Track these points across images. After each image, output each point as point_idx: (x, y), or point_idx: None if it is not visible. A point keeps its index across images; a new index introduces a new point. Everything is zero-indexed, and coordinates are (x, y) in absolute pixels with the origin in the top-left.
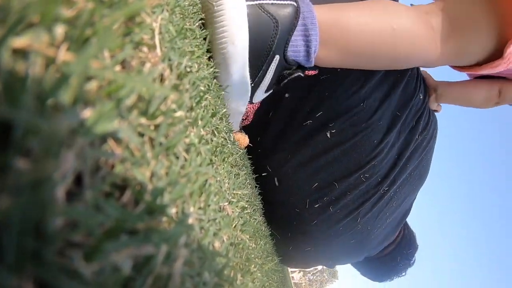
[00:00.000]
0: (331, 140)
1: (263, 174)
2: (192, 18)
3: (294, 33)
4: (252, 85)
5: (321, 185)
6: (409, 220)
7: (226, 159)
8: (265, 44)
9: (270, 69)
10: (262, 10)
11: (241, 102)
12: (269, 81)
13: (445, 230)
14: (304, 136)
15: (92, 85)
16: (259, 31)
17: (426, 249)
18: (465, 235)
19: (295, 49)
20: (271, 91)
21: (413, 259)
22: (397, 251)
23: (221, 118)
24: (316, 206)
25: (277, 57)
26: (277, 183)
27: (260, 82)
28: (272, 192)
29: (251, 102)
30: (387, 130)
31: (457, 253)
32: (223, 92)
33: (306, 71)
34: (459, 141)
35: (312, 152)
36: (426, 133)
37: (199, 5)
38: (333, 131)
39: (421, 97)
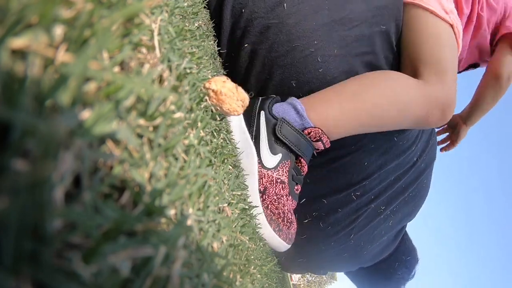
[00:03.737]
0: (319, 159)
1: None
2: (192, 19)
3: (277, 103)
4: (253, 140)
5: (309, 200)
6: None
7: (225, 160)
8: (252, 107)
9: (261, 122)
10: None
11: (249, 158)
12: (266, 136)
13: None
14: None
15: (91, 86)
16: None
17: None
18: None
19: (281, 108)
20: (280, 155)
21: (414, 270)
22: (395, 256)
23: (221, 119)
24: (306, 221)
25: (262, 112)
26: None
27: (258, 136)
28: None
29: (261, 163)
30: (380, 154)
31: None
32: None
33: (318, 146)
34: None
35: None
36: (425, 155)
37: (199, 6)
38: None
39: None
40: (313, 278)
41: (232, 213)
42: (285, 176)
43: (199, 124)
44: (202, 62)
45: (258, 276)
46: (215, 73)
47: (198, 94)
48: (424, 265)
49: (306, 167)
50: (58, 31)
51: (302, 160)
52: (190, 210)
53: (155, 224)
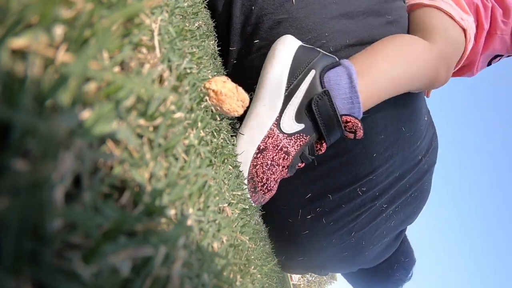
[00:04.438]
0: (327, 152)
1: None
2: (192, 19)
3: (334, 69)
4: (286, 93)
5: (314, 196)
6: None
7: (226, 160)
8: (306, 58)
9: (304, 81)
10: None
11: (269, 110)
12: (301, 100)
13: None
14: None
15: (91, 86)
16: (305, 49)
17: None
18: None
19: (334, 73)
20: (302, 126)
21: (411, 272)
22: (395, 256)
23: (221, 119)
24: (309, 217)
25: (313, 71)
26: None
27: (293, 93)
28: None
29: (278, 122)
30: (388, 145)
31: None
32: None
33: (348, 136)
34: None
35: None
36: (428, 156)
37: (199, 6)
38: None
39: (426, 118)
40: (313, 278)
41: (232, 213)
42: (294, 149)
43: (199, 124)
44: (202, 62)
45: (258, 276)
46: (215, 73)
47: (198, 94)
48: (420, 266)
49: (323, 150)
50: (58, 31)
51: (323, 143)
52: (190, 210)
53: (155, 224)
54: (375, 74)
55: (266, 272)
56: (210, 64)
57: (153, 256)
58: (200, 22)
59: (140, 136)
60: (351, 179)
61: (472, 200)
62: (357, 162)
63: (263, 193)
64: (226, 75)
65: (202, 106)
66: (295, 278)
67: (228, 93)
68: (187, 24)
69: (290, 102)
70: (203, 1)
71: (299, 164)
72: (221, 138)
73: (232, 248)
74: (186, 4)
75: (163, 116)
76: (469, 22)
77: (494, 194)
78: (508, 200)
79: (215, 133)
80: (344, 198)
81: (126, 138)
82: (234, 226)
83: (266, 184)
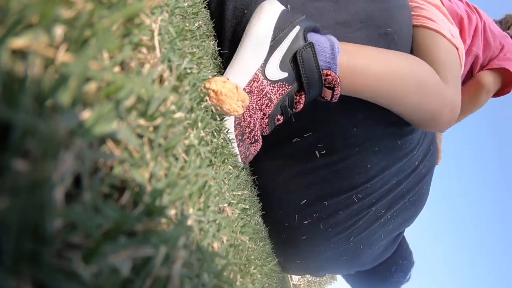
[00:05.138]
0: (321, 160)
1: (254, 187)
2: (192, 19)
3: (317, 32)
4: (272, 44)
5: (309, 201)
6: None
7: (226, 160)
8: (291, 18)
9: (290, 34)
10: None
11: (255, 56)
12: (286, 49)
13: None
14: (292, 152)
15: (91, 86)
16: (289, 12)
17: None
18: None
19: (317, 39)
20: (286, 74)
21: (409, 274)
22: (392, 259)
23: (221, 119)
24: (306, 222)
25: (297, 27)
26: (266, 195)
27: (279, 44)
28: (263, 203)
29: (263, 69)
30: (383, 156)
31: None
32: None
33: (325, 94)
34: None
35: (301, 169)
36: (426, 161)
37: (199, 6)
38: (322, 152)
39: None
40: (313, 278)
41: (232, 213)
42: (276, 98)
43: (199, 124)
44: (202, 62)
45: (259, 276)
46: (216, 73)
47: (198, 94)
48: (419, 267)
49: (301, 106)
50: (59, 31)
51: (302, 95)
52: (191, 210)
53: (155, 224)
54: (359, 60)
55: (266, 272)
56: (210, 64)
57: (153, 256)
58: (200, 22)
59: (140, 136)
60: (346, 186)
61: (471, 200)
62: (352, 171)
63: (249, 142)
64: None
65: (202, 106)
66: (295, 278)
67: (228, 93)
68: (187, 24)
69: (275, 51)
70: (203, 1)
71: (278, 117)
72: (221, 138)
73: (232, 248)
74: (186, 4)
75: (163, 116)
76: (458, 39)
77: (492, 194)
78: (506, 200)
79: (215, 133)
80: (340, 204)
81: (126, 138)
82: (234, 226)
83: (254, 132)
